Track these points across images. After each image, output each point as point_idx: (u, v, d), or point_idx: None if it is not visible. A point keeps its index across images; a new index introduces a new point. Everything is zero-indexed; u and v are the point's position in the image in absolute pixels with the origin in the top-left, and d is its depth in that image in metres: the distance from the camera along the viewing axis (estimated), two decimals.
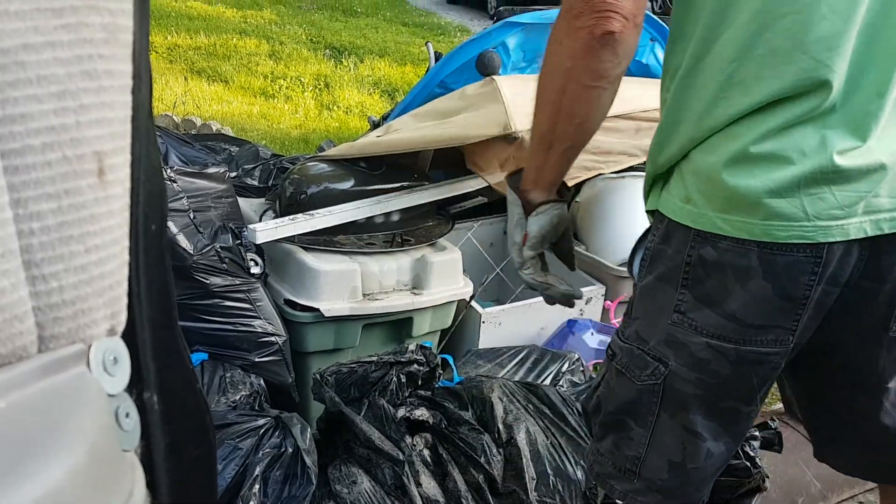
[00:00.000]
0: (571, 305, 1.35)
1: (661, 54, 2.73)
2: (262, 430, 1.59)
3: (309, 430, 1.62)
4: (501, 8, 3.40)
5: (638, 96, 2.34)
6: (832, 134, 0.96)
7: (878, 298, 1.04)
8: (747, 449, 1.67)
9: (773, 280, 0.99)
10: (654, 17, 2.71)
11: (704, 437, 1.11)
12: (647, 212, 1.16)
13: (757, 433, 1.71)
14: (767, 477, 1.73)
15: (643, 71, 2.71)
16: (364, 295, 2.09)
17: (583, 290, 2.34)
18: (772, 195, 0.96)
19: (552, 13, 2.60)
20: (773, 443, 1.73)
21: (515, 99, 2.14)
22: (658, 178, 1.12)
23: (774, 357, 1.05)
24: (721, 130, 1.00)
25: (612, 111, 1.96)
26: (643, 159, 2.33)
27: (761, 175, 0.96)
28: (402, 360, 1.84)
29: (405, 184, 2.33)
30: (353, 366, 1.78)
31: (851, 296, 1.04)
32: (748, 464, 1.67)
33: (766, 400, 2.39)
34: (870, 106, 0.97)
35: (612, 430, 1.19)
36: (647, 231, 1.15)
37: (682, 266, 1.05)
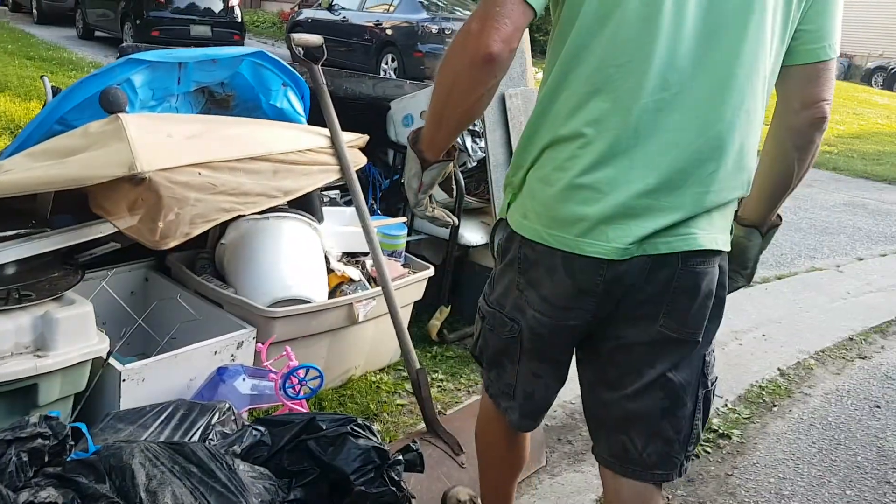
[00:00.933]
0: (450, 226, 1.79)
1: (294, 98, 2.79)
2: None
3: None
4: (125, 45, 3.20)
5: (274, 138, 2.36)
6: (631, 176, 1.32)
7: (652, 298, 1.40)
8: (392, 475, 1.74)
9: (571, 276, 1.39)
10: (286, 63, 2.76)
11: (541, 376, 1.58)
12: (502, 217, 1.56)
13: (400, 457, 1.79)
14: (413, 497, 1.82)
15: (278, 114, 2.75)
16: None
17: (233, 335, 2.30)
18: (586, 221, 1.34)
19: (179, 52, 2.52)
20: (415, 464, 1.82)
21: (143, 137, 2.01)
22: (507, 191, 1.53)
23: (578, 325, 1.46)
24: (549, 161, 1.38)
25: (248, 153, 2.20)
26: (282, 200, 2.34)
27: (582, 206, 1.34)
28: (22, 435, 1.60)
29: (21, 231, 2.05)
30: None
31: (634, 294, 1.40)
32: (394, 489, 1.74)
33: (410, 422, 2.52)
34: (658, 158, 1.32)
35: (494, 366, 1.64)
36: (498, 223, 1.58)
37: (516, 259, 1.47)
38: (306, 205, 2.73)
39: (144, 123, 2.11)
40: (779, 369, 3.45)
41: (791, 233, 5.91)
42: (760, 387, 3.26)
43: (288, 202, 2.57)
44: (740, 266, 1.63)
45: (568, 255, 1.37)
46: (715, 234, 1.39)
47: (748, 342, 3.73)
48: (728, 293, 1.50)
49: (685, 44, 1.29)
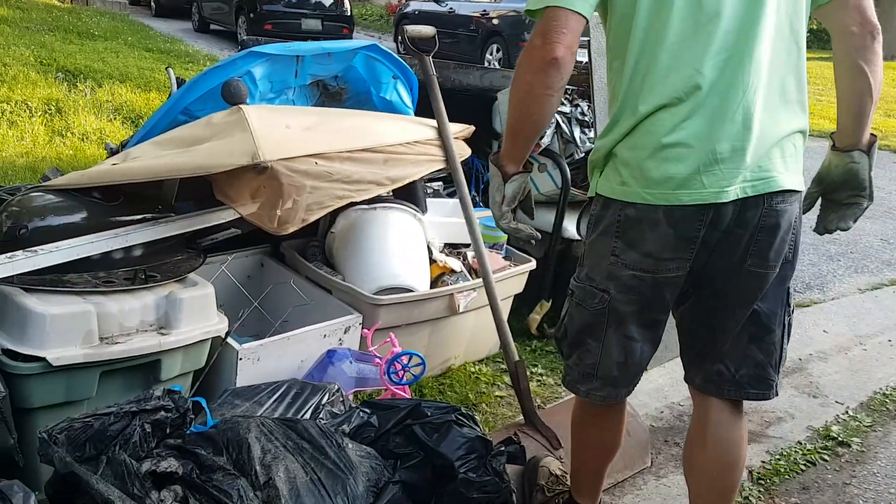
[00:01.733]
0: (533, 242, 1.87)
1: (403, 91, 2.83)
2: None
3: (33, 497, 1.42)
4: (246, 38, 3.34)
5: (384, 131, 2.41)
6: (712, 128, 1.50)
7: (741, 240, 1.57)
8: (494, 465, 1.75)
9: (674, 227, 1.55)
10: (398, 56, 2.81)
11: (637, 339, 1.69)
12: (591, 197, 1.70)
13: (503, 448, 1.80)
14: (514, 491, 1.82)
15: (387, 107, 2.80)
16: (101, 339, 1.90)
17: (341, 320, 2.37)
18: (680, 176, 1.51)
19: (297, 45, 2.60)
20: (517, 457, 1.83)
21: (264, 128, 2.09)
22: (594, 171, 1.66)
23: (677, 278, 1.61)
24: (638, 126, 1.53)
25: (361, 144, 2.24)
26: (391, 188, 2.39)
27: (672, 162, 1.51)
28: (147, 407, 1.70)
29: (148, 215, 2.17)
30: (87, 420, 1.60)
31: (726, 238, 1.57)
32: (497, 479, 1.75)
33: (509, 414, 2.53)
34: (740, 104, 1.49)
35: (576, 348, 1.74)
36: (587, 205, 1.77)
37: (615, 223, 1.60)
38: (411, 195, 2.78)
39: (265, 115, 2.20)
40: None
41: None
42: (884, 394, 3.07)
43: (393, 192, 2.62)
44: (858, 189, 1.74)
45: (669, 208, 1.54)
46: (791, 175, 1.58)
47: (873, 347, 3.52)
48: (857, 219, 1.77)
49: (733, 9, 1.50)
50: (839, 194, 1.76)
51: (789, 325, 1.73)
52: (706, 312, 1.71)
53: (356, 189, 2.21)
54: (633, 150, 1.56)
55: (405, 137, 2.41)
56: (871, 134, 1.72)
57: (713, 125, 1.51)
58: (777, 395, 1.75)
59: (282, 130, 2.17)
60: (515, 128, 1.63)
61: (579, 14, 1.49)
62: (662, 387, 2.93)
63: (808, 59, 1.69)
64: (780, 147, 1.57)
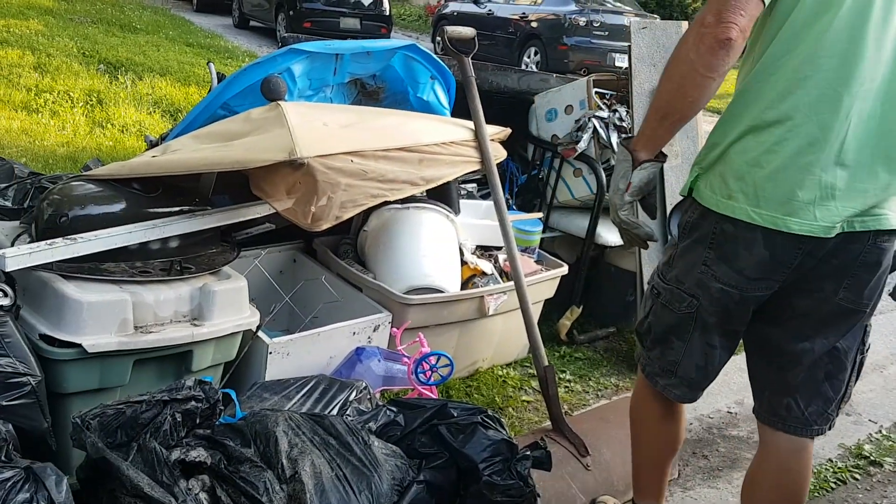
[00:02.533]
0: (646, 247, 1.78)
1: (440, 91, 2.83)
2: (10, 484, 1.40)
3: (66, 481, 1.44)
4: (286, 35, 3.37)
5: (420, 131, 2.41)
6: (837, 160, 1.46)
7: (837, 271, 1.54)
8: (519, 469, 1.74)
9: (771, 249, 1.52)
10: (437, 57, 2.81)
11: (717, 347, 1.70)
12: (684, 196, 1.68)
13: (529, 453, 1.79)
14: (539, 496, 1.81)
15: (424, 107, 2.80)
16: (136, 327, 1.93)
17: (370, 318, 2.38)
18: (795, 202, 1.46)
19: (337, 44, 2.61)
20: (543, 462, 1.82)
21: (302, 125, 2.11)
22: (701, 176, 1.61)
23: (763, 295, 1.59)
24: (762, 137, 1.49)
25: (397, 143, 2.22)
26: (425, 188, 2.39)
27: (792, 187, 1.46)
28: (178, 397, 1.71)
29: (185, 208, 2.20)
30: (120, 406, 1.63)
31: (821, 267, 1.54)
32: (521, 483, 1.73)
33: (535, 419, 2.51)
34: (860, 144, 1.46)
35: (660, 344, 1.77)
36: (681, 203, 1.68)
37: (710, 235, 1.58)
38: (444, 196, 2.78)
39: (303, 112, 2.22)
40: None
41: None
42: None
43: (427, 192, 2.62)
44: None
45: (770, 232, 1.50)
46: None
47: None
48: None
49: (888, 42, 1.44)
50: None
51: (861, 362, 1.70)
52: (785, 339, 1.66)
53: (390, 188, 2.22)
54: (752, 165, 1.50)
55: (441, 137, 2.41)
56: None
57: (846, 159, 1.46)
58: (832, 429, 1.74)
59: (319, 127, 2.19)
60: (665, 109, 1.53)
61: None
62: None
63: None
64: None
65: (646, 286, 1.88)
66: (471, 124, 2.51)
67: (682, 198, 1.72)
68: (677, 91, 1.49)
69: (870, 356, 3.40)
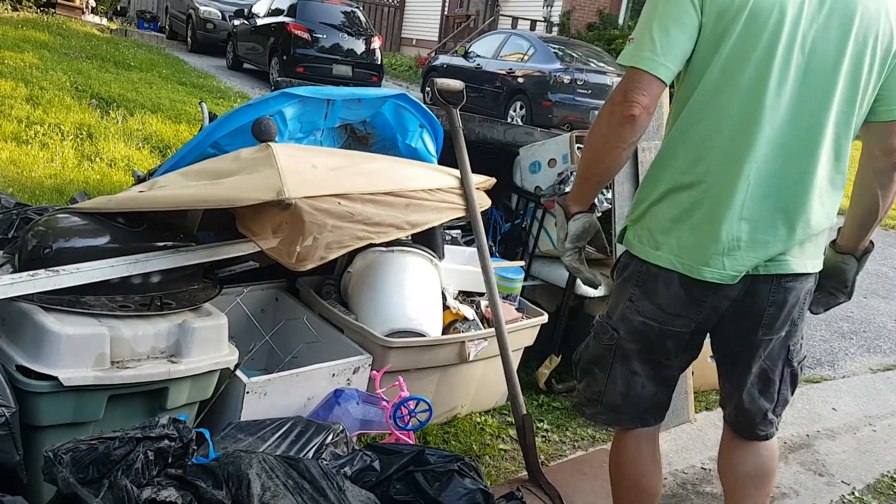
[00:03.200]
0: (594, 287, 1.92)
1: (428, 140, 2.89)
2: None
3: None
4: (279, 78, 3.43)
5: (407, 177, 2.45)
6: (742, 216, 1.68)
7: (752, 311, 1.77)
8: None
9: (685, 289, 1.74)
10: (425, 106, 2.87)
11: (640, 374, 1.87)
12: (619, 242, 1.91)
13: (504, 503, 1.78)
14: None
15: (413, 154, 2.85)
16: (113, 362, 1.91)
17: (351, 359, 2.38)
18: (708, 253, 1.69)
19: (329, 90, 2.67)
20: None
21: (291, 166, 2.14)
22: (629, 228, 1.84)
23: (682, 333, 1.81)
24: (681, 198, 1.72)
25: (385, 188, 2.31)
26: (410, 232, 2.42)
27: (706, 241, 1.69)
28: (152, 435, 1.69)
29: (169, 243, 2.21)
30: (93, 442, 1.60)
31: (737, 307, 1.77)
32: None
33: (512, 468, 2.50)
34: (762, 201, 1.68)
35: (586, 375, 1.95)
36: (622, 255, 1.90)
37: (636, 274, 1.80)
38: (429, 241, 2.81)
39: (292, 153, 2.25)
40: None
41: None
42: (892, 478, 3.02)
43: (412, 237, 2.64)
44: (841, 286, 1.97)
45: (685, 277, 1.72)
46: (805, 260, 1.76)
47: (882, 429, 3.46)
48: (829, 308, 2.00)
49: (783, 110, 1.64)
50: (825, 282, 1.94)
51: (792, 374, 1.92)
52: (725, 367, 1.95)
53: (376, 231, 2.24)
54: (674, 222, 1.73)
55: (428, 184, 2.45)
56: (871, 241, 1.95)
57: (748, 215, 1.68)
58: (776, 431, 1.99)
59: (308, 169, 2.22)
60: (586, 172, 1.79)
61: (660, 80, 1.61)
62: (667, 452, 2.89)
63: None
64: (801, 243, 1.74)
65: None
66: (457, 172, 2.55)
67: None
68: (595, 158, 1.73)
69: (843, 417, 3.47)
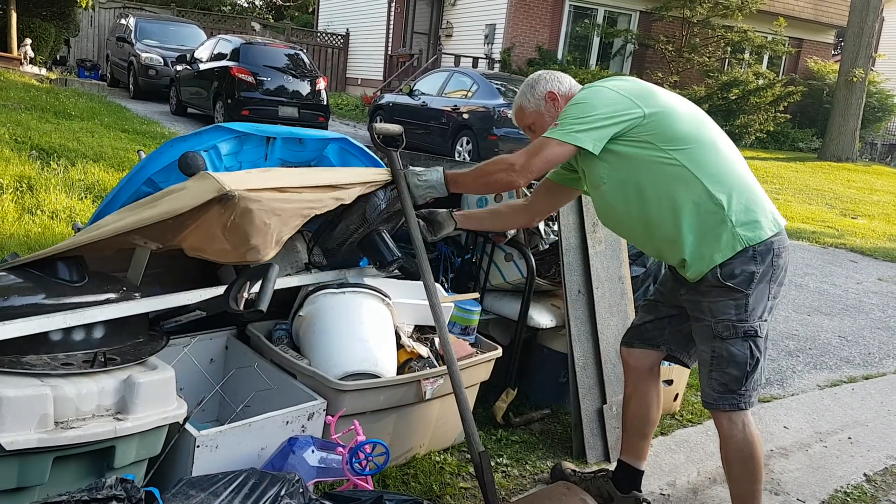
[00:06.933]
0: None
1: None
2: None
3: None
4: (223, 123, 3.43)
5: (337, 176, 2.45)
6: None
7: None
8: None
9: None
10: (368, 150, 2.91)
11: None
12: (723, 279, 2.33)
13: None
14: None
15: None
16: (57, 423, 1.85)
17: (304, 406, 2.34)
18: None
19: (268, 127, 2.66)
20: None
21: (226, 175, 2.13)
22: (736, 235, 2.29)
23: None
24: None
25: (316, 183, 2.46)
26: (347, 201, 2.44)
27: None
28: (99, 497, 1.65)
29: (111, 296, 2.16)
30: None
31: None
32: None
33: None
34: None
35: (753, 372, 2.36)
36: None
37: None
38: (372, 249, 2.72)
39: (226, 173, 2.23)
40: (865, 475, 3.26)
41: (879, 331, 5.66)
42: (845, 492, 3.08)
43: (358, 244, 2.62)
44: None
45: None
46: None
47: (833, 444, 3.55)
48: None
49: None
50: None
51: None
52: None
53: (319, 203, 2.30)
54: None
55: (356, 178, 2.47)
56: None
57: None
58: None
59: (243, 176, 2.23)
60: (469, 185, 2.48)
61: (575, 147, 2.15)
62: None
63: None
64: None
65: (577, 368, 2.45)
66: (381, 169, 2.59)
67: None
68: (480, 181, 2.39)
69: (794, 435, 3.54)
